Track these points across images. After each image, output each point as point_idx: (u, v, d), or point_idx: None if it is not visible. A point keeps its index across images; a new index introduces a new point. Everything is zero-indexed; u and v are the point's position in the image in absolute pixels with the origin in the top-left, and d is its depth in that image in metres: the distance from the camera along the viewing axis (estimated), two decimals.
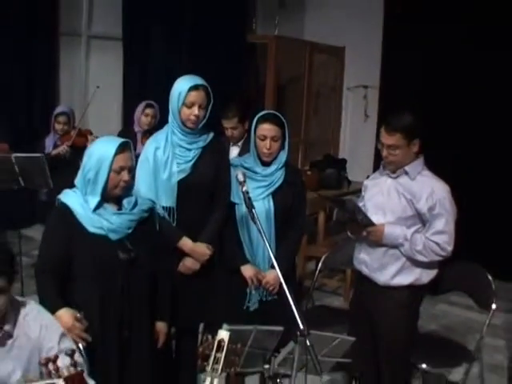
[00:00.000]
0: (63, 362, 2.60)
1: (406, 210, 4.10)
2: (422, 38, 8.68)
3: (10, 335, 2.98)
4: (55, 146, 7.16)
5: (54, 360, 2.54)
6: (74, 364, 2.64)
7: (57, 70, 9.84)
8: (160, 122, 6.65)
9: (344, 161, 9.05)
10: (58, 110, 7.45)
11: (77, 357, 2.72)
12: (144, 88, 9.26)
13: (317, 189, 7.60)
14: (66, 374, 2.50)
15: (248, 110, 6.20)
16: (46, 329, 3.04)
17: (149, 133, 6.71)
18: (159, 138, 4.39)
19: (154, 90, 8.51)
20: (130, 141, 3.64)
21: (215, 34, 9.62)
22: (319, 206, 7.91)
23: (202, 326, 4.81)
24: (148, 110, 7.15)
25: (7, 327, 2.96)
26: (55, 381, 2.46)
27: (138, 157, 4.18)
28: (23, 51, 9.17)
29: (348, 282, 7.30)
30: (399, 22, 9.20)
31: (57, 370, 2.51)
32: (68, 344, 3.07)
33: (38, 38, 9.35)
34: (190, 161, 4.30)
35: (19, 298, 3.11)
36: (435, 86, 8.44)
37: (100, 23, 10.06)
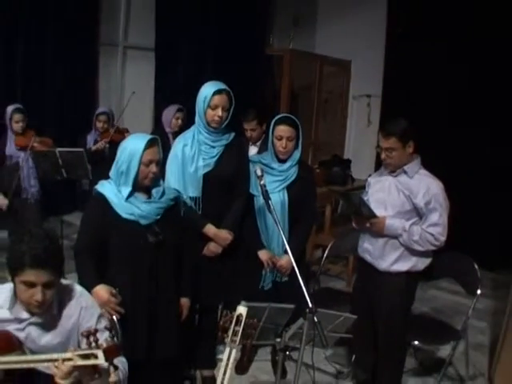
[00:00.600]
0: (102, 335, 2.62)
1: (404, 204, 4.10)
2: (420, 53, 8.64)
3: (56, 318, 2.98)
4: (95, 142, 7.19)
5: (94, 333, 2.56)
6: (112, 337, 2.67)
7: (96, 76, 9.88)
8: (186, 123, 6.62)
9: (349, 161, 9.03)
10: (99, 110, 7.49)
11: (114, 332, 2.73)
12: (173, 93, 9.24)
13: (324, 185, 7.59)
14: (104, 345, 2.53)
15: (265, 114, 6.23)
16: (85, 310, 3.03)
17: (179, 134, 6.72)
18: (187, 136, 4.41)
19: (182, 96, 8.48)
20: (157, 137, 3.66)
21: (237, 46, 9.66)
22: (326, 200, 7.87)
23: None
24: (178, 114, 7.12)
25: (54, 311, 2.96)
26: (95, 351, 2.50)
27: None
28: (69, 59, 9.23)
29: (350, 267, 7.27)
30: (400, 38, 9.17)
31: (96, 341, 2.53)
32: (105, 324, 3.08)
33: (81, 48, 9.41)
34: (214, 157, 4.32)
35: (64, 282, 3.08)
36: (431, 96, 8.41)
37: (135, 35, 10.07)
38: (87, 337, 2.55)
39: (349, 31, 10.24)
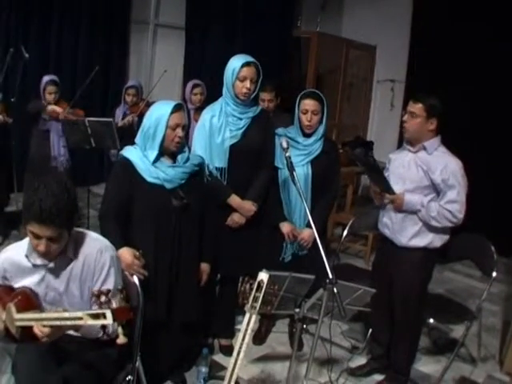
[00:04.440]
0: (115, 296, 2.61)
1: (422, 180, 4.06)
2: (445, 40, 8.56)
3: (70, 259, 2.98)
4: (124, 116, 7.18)
5: (107, 293, 2.55)
6: (125, 299, 2.65)
7: (127, 53, 9.93)
8: (211, 96, 6.57)
9: (371, 142, 9.03)
10: (129, 83, 7.46)
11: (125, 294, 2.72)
12: (201, 71, 9.27)
13: (347, 165, 7.56)
14: (114, 306, 2.52)
15: (281, 89, 6.32)
16: (101, 254, 3.03)
17: (200, 109, 6.71)
18: (215, 107, 4.35)
19: (209, 73, 8.50)
20: (183, 103, 3.71)
21: (266, 28, 9.64)
22: (348, 180, 7.95)
23: None
24: (196, 90, 7.12)
25: (69, 252, 2.96)
26: (104, 311, 2.48)
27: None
28: (101, 36, 9.32)
29: (369, 246, 7.29)
30: (425, 25, 9.08)
31: (108, 302, 2.53)
32: (116, 271, 3.10)
33: (113, 25, 9.47)
34: (241, 128, 4.26)
35: (78, 229, 3.10)
36: (455, 82, 8.28)
37: (166, 14, 10.12)
38: (98, 296, 2.55)
39: (375, 17, 10.20)
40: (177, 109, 3.57)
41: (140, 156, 3.60)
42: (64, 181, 2.85)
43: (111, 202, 3.64)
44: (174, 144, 3.58)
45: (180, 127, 3.56)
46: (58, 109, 6.50)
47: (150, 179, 3.55)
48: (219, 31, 9.71)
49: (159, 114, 3.55)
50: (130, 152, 3.65)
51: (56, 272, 2.98)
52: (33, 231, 2.74)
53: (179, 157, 3.67)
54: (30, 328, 2.70)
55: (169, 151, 3.63)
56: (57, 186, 2.76)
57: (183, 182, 3.65)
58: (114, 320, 2.47)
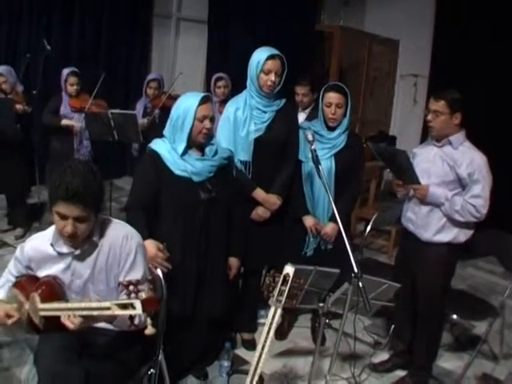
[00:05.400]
0: (143, 286, 2.59)
1: (448, 174, 4.03)
2: (469, 35, 8.48)
3: (96, 245, 2.95)
4: (146, 108, 7.17)
5: (136, 284, 2.53)
6: (152, 289, 2.63)
7: (150, 47, 9.94)
8: (234, 90, 6.55)
9: (394, 137, 9.02)
10: (151, 76, 7.42)
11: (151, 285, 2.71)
12: (224, 65, 9.24)
13: (370, 160, 7.52)
14: (143, 296, 2.50)
15: (317, 84, 6.14)
16: (126, 240, 3.00)
17: (224, 102, 6.69)
18: (239, 100, 4.33)
19: (232, 67, 8.48)
20: (210, 94, 3.75)
21: (289, 22, 9.57)
22: (371, 175, 7.94)
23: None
24: (219, 83, 7.11)
25: (95, 238, 2.93)
26: (133, 301, 2.45)
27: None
28: (124, 30, 9.35)
29: (392, 241, 7.27)
30: (449, 19, 8.99)
31: (137, 292, 2.51)
32: (142, 259, 3.07)
33: (136, 19, 9.50)
34: (265, 122, 4.24)
35: (106, 217, 3.09)
36: (479, 78, 8.20)
37: (189, 7, 10.16)
38: (127, 286, 2.55)
39: (398, 11, 10.12)
40: (204, 100, 3.57)
41: (168, 149, 3.60)
42: (90, 165, 2.85)
43: (138, 194, 3.66)
44: (202, 135, 3.59)
45: (208, 119, 3.57)
46: (72, 123, 6.58)
47: (177, 172, 3.56)
48: (242, 25, 9.67)
49: (187, 106, 3.55)
50: (158, 145, 3.66)
51: (82, 259, 2.96)
52: (60, 212, 2.73)
53: (207, 149, 3.68)
54: (55, 318, 2.67)
55: (197, 143, 3.63)
56: (83, 167, 2.77)
57: (211, 175, 3.65)
58: (144, 310, 2.45)
